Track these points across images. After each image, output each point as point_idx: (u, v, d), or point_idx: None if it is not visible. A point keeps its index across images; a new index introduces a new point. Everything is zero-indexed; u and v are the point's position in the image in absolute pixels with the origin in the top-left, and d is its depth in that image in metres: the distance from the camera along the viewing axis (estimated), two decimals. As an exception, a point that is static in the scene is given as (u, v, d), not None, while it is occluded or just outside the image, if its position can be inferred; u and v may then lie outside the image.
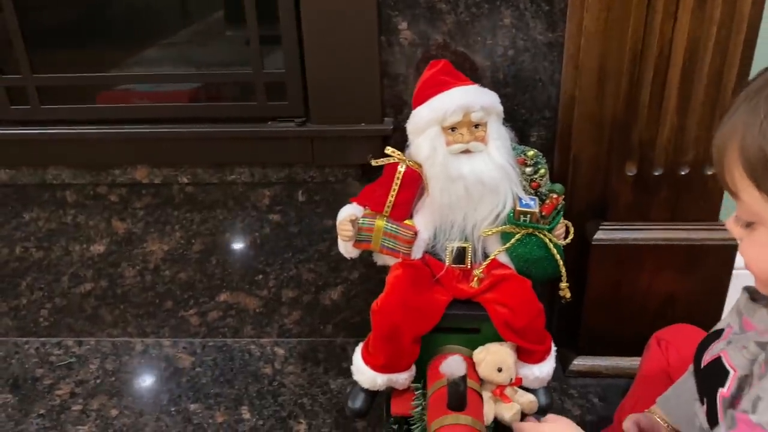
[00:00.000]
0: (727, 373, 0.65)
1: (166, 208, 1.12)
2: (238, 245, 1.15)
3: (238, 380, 1.13)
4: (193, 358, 1.18)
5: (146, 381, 1.13)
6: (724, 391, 0.65)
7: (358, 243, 0.93)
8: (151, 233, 1.14)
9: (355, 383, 0.96)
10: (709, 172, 0.99)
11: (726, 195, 1.01)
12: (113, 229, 1.14)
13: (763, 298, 0.66)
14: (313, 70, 0.97)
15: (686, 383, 0.84)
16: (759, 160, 0.53)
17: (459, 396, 0.80)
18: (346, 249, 0.95)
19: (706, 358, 0.71)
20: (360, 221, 0.92)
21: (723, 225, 1.03)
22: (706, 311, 1.06)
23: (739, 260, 1.04)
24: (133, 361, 1.17)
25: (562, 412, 1.03)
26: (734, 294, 1.05)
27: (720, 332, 0.73)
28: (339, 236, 0.94)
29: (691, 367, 0.83)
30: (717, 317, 1.07)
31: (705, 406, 0.69)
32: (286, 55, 0.97)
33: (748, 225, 0.59)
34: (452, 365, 0.78)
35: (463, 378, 0.80)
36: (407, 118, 1.01)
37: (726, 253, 1.03)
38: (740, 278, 1.05)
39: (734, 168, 0.56)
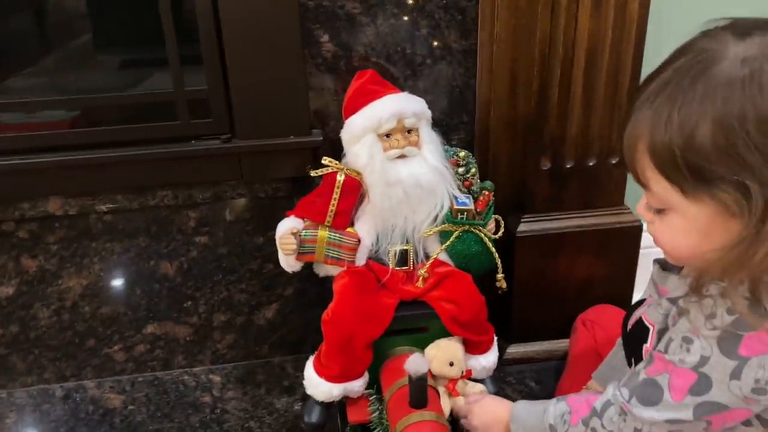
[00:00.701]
0: (647, 330, 0.74)
1: (82, 240, 1.05)
2: (163, 272, 1.10)
3: (177, 413, 1.07)
4: (123, 397, 1.11)
5: (75, 428, 1.05)
6: (648, 346, 0.74)
7: (301, 255, 0.93)
8: (67, 268, 1.06)
9: (308, 398, 0.95)
10: (614, 162, 1.09)
11: (629, 182, 1.12)
12: (23, 267, 1.05)
13: (672, 267, 0.74)
14: (236, 86, 0.96)
15: (617, 355, 0.92)
16: (667, 157, 0.59)
17: (422, 393, 0.83)
18: (288, 263, 0.94)
19: (631, 322, 0.79)
20: (302, 233, 0.92)
21: (628, 209, 1.14)
22: (620, 289, 1.16)
23: (645, 240, 1.15)
24: (56, 410, 1.08)
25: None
26: (642, 271, 1.16)
27: (642, 301, 0.81)
28: (281, 251, 0.93)
29: (619, 340, 0.91)
30: (630, 293, 1.18)
31: (633, 366, 0.77)
32: (208, 72, 0.95)
33: (659, 211, 0.66)
34: (416, 363, 0.80)
35: (425, 375, 0.82)
36: (334, 129, 1.03)
37: (633, 234, 1.13)
38: (647, 257, 1.17)
39: (645, 164, 0.62)
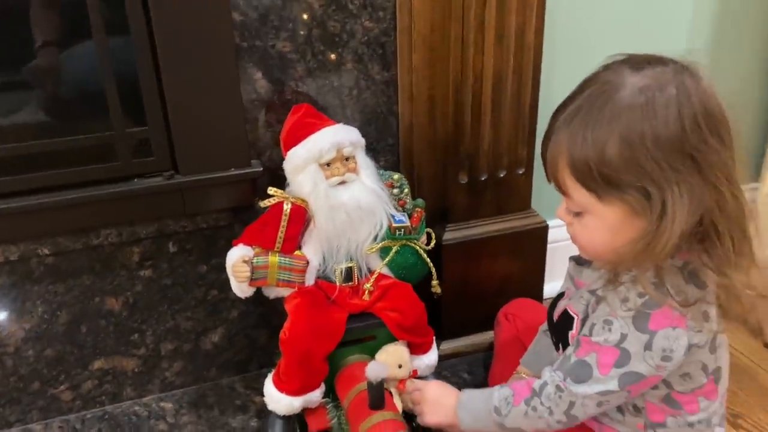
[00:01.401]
0: (572, 318, 0.87)
1: (24, 284, 1.05)
2: (109, 308, 1.12)
3: (135, 444, 1.10)
4: (75, 436, 1.11)
5: (28, 473, 1.05)
6: (573, 333, 0.87)
7: (254, 282, 0.99)
8: (9, 314, 1.05)
9: (269, 413, 1.01)
10: (520, 172, 1.23)
11: (534, 189, 1.26)
12: (-38, 318, 1.03)
13: (585, 262, 0.88)
14: (177, 124, 1.00)
15: (540, 341, 1.05)
16: (584, 169, 0.73)
17: (381, 395, 0.92)
18: (242, 289, 1.00)
19: (556, 313, 0.92)
20: (254, 260, 0.98)
21: (535, 213, 1.29)
22: (533, 283, 1.31)
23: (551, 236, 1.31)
24: (5, 457, 1.07)
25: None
26: (550, 267, 1.32)
27: (562, 294, 0.95)
28: (233, 279, 0.99)
29: (540, 328, 1.05)
30: (541, 286, 1.33)
31: (561, 350, 0.90)
32: (148, 111, 0.99)
33: (577, 214, 0.79)
34: (376, 369, 0.89)
35: (384, 380, 0.91)
36: (270, 158, 1.10)
37: (540, 234, 1.28)
38: (551, 252, 1.32)
39: (565, 176, 0.76)
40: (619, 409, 0.85)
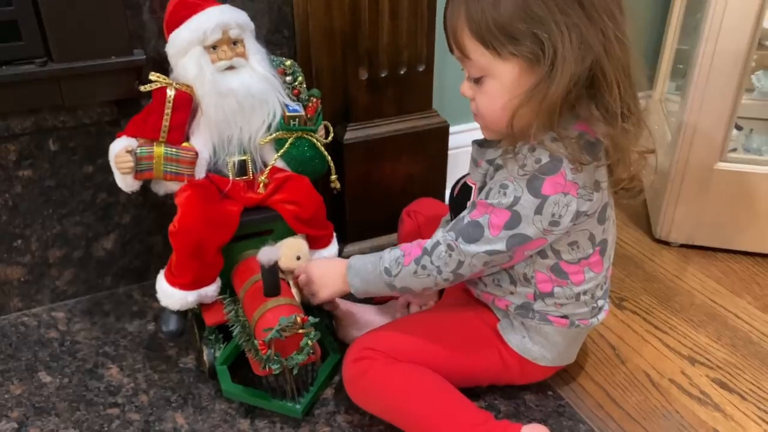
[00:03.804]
0: (470, 189, 0.89)
1: None
2: (-15, 212, 1.05)
3: (23, 351, 1.05)
4: (-44, 347, 1.05)
5: None
6: (471, 201, 0.88)
7: (139, 174, 0.94)
8: None
9: (163, 309, 0.99)
10: (421, 69, 1.22)
11: (436, 91, 1.26)
12: None
13: (488, 143, 0.89)
14: (48, 4, 0.92)
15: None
16: (481, 23, 0.74)
17: (275, 281, 0.91)
18: (126, 182, 0.95)
19: (456, 189, 0.94)
20: (138, 151, 0.93)
21: (436, 113, 1.29)
22: (436, 183, 1.32)
23: (452, 142, 1.32)
24: None
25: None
26: (453, 172, 1.32)
27: (465, 175, 0.96)
28: (117, 170, 0.94)
29: (443, 219, 1.06)
30: (443, 186, 1.34)
31: None
32: (13, -10, 0.90)
33: (477, 81, 0.80)
34: (267, 252, 0.88)
35: (277, 264, 0.90)
36: (155, 48, 1.04)
37: (442, 133, 1.29)
38: (457, 156, 1.34)
39: (464, 35, 0.76)
40: (512, 280, 0.88)
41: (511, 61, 0.75)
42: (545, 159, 0.77)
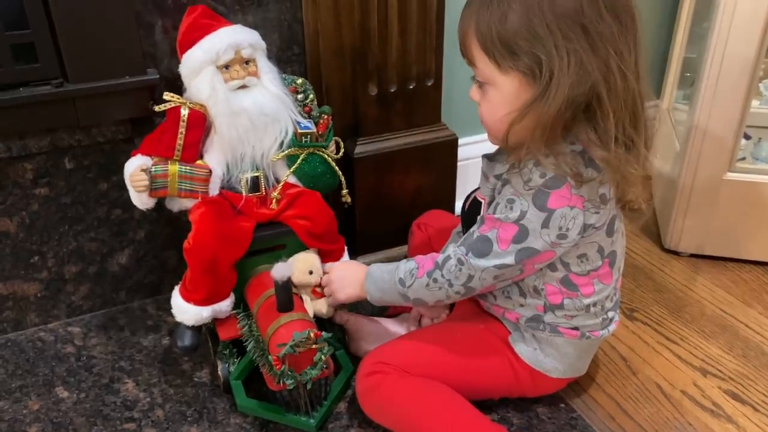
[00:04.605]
0: (480, 204, 0.90)
1: None
2: (3, 230, 1.06)
3: (41, 367, 1.06)
4: (-25, 364, 1.07)
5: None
6: (480, 215, 0.89)
7: (154, 192, 0.96)
8: None
9: (178, 324, 1.00)
10: (429, 84, 1.23)
11: (444, 104, 1.27)
12: None
13: (496, 157, 0.90)
14: (63, 26, 0.94)
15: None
16: (487, 36, 0.76)
17: (288, 297, 0.92)
18: (141, 200, 0.97)
19: (467, 203, 0.95)
20: (152, 169, 0.95)
21: (445, 126, 1.30)
22: (445, 195, 1.33)
23: (461, 154, 1.33)
24: None
25: (359, 305, 1.20)
26: (464, 184, 1.33)
27: (476, 189, 0.97)
28: (133, 188, 0.96)
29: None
30: (453, 198, 1.35)
31: None
32: (29, 12, 0.92)
33: (481, 86, 0.82)
34: (281, 269, 0.89)
35: (290, 279, 0.91)
36: (168, 67, 1.05)
37: (450, 146, 1.30)
38: (467, 168, 1.35)
39: (472, 43, 0.79)
40: (521, 292, 0.89)
41: (510, 74, 0.77)
42: (550, 173, 0.78)
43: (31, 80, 0.96)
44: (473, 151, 1.35)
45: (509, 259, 0.82)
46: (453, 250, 0.87)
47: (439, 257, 0.88)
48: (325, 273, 1.00)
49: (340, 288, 0.97)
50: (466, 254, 0.84)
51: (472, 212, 0.91)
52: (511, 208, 0.81)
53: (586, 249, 0.85)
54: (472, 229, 0.87)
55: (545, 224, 0.80)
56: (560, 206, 0.79)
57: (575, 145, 0.79)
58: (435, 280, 0.87)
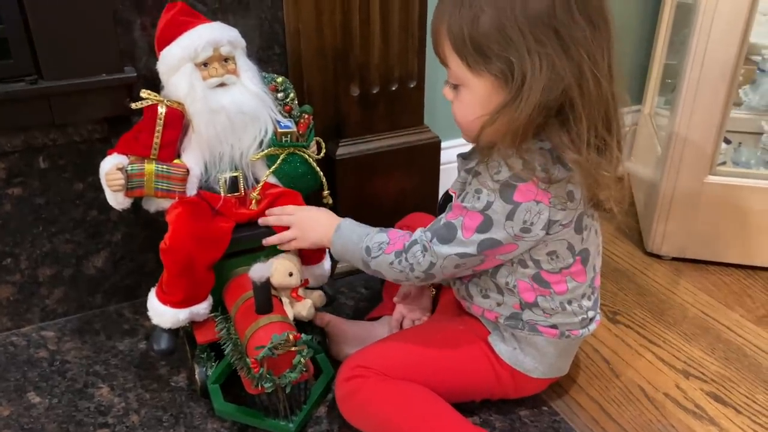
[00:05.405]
0: (451, 197, 0.90)
1: None
2: (-26, 230, 1.04)
3: (12, 372, 1.04)
4: (-57, 368, 1.04)
5: None
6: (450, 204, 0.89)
7: (130, 191, 0.94)
8: None
9: (155, 327, 0.98)
10: (412, 86, 1.22)
11: (426, 104, 1.26)
12: None
13: (471, 156, 0.89)
14: (38, 22, 0.92)
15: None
16: (459, 37, 0.76)
17: (267, 298, 0.90)
18: (117, 200, 0.95)
19: (441, 199, 0.95)
20: (129, 168, 0.93)
21: (427, 128, 1.29)
22: (427, 198, 1.32)
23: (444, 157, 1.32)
24: None
25: (339, 307, 1.19)
26: (444, 183, 1.33)
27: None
28: (108, 188, 0.94)
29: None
30: (436, 201, 1.34)
31: None
32: (3, 7, 0.90)
33: (455, 87, 0.81)
34: (260, 269, 0.87)
35: (269, 281, 0.89)
36: (146, 65, 1.04)
37: (433, 149, 1.29)
38: (451, 171, 1.34)
39: (445, 45, 0.78)
40: (498, 290, 0.89)
41: (482, 77, 0.77)
42: (518, 168, 0.78)
43: (5, 77, 0.94)
44: (456, 154, 1.34)
45: (471, 249, 0.82)
46: (420, 234, 0.87)
47: (407, 241, 0.88)
48: (280, 213, 0.97)
49: (310, 228, 0.95)
50: (431, 240, 0.85)
51: (444, 204, 0.91)
52: (478, 198, 0.81)
53: (555, 246, 0.85)
54: (439, 217, 0.87)
55: (510, 216, 0.80)
56: (526, 200, 0.79)
57: (544, 143, 0.79)
58: (399, 262, 0.87)
